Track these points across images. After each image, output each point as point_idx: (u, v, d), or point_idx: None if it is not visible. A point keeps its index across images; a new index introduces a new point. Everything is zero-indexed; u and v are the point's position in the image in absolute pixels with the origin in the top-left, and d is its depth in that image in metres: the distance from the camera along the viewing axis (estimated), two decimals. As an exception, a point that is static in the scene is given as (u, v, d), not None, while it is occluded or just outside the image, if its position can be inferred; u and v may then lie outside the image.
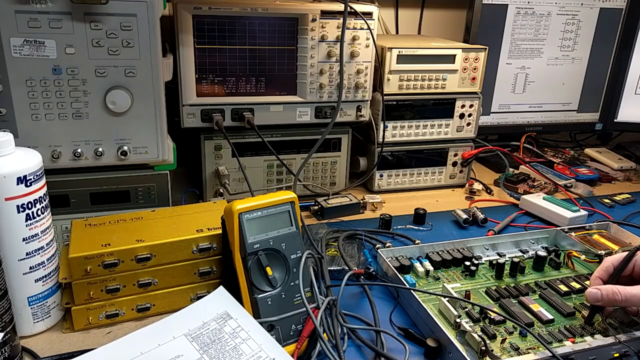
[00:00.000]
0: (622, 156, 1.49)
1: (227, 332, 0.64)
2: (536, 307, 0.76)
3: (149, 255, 0.72)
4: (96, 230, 0.75)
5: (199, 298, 0.74)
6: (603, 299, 0.69)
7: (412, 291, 0.76)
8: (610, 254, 0.89)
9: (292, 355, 0.64)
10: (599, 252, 0.91)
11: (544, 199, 1.14)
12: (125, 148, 0.85)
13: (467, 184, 1.29)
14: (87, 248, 0.70)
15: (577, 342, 0.69)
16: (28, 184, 0.65)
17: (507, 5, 1.36)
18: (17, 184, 0.64)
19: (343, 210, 1.09)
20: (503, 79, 1.43)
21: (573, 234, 0.97)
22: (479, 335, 0.67)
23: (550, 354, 0.65)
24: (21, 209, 0.65)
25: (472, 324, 0.72)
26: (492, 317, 0.73)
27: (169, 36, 0.97)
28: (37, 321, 0.71)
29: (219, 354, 0.61)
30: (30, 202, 0.66)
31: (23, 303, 0.69)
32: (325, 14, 1.04)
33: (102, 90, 0.81)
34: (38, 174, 0.67)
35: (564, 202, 1.12)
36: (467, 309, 0.75)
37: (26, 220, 0.66)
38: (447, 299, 0.74)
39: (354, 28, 1.06)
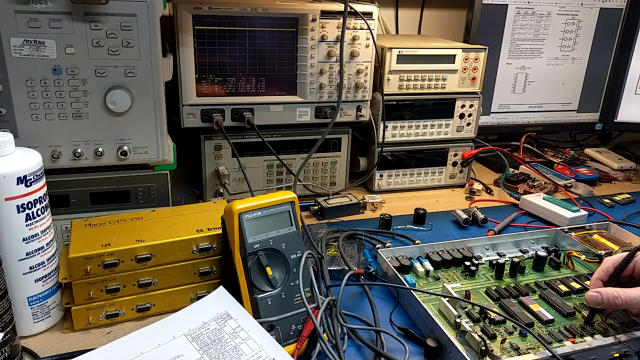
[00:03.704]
0: (622, 156, 1.49)
1: (227, 332, 0.64)
2: (536, 307, 0.76)
3: (149, 255, 0.72)
4: (96, 230, 0.75)
5: (199, 298, 0.74)
6: (603, 302, 0.69)
7: (412, 291, 0.76)
8: (610, 254, 0.89)
9: (292, 355, 0.64)
10: (599, 252, 0.91)
11: (544, 199, 1.14)
12: (125, 148, 0.85)
13: (467, 184, 1.29)
14: (87, 248, 0.70)
15: (577, 342, 0.69)
16: (28, 184, 0.65)
17: (507, 5, 1.36)
18: (17, 184, 0.64)
19: (343, 210, 1.09)
20: (503, 79, 1.43)
21: (573, 234, 0.97)
22: (479, 335, 0.67)
23: (550, 354, 0.65)
24: (21, 209, 0.65)
25: (472, 324, 0.72)
26: (492, 317, 0.73)
27: (169, 36, 0.97)
28: (37, 321, 0.71)
29: (219, 354, 0.61)
30: (30, 202, 0.66)
31: (23, 303, 0.69)
32: (325, 14, 1.04)
33: (102, 90, 0.81)
34: (38, 174, 0.67)
35: (564, 202, 1.12)
36: (467, 309, 0.75)
37: (26, 220, 0.66)
38: (447, 299, 0.74)
39: (354, 28, 1.06)
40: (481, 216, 1.07)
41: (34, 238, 0.67)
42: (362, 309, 0.78)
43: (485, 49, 1.20)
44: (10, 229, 0.65)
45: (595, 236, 0.99)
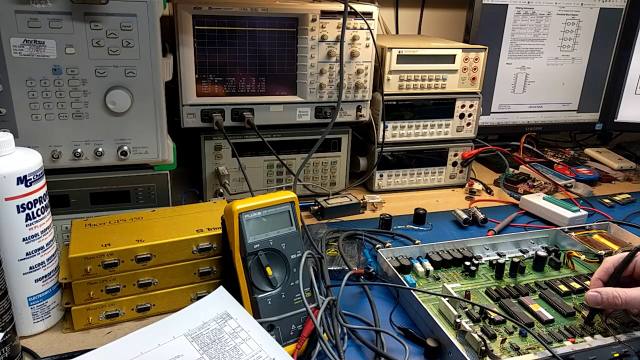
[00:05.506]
0: (622, 156, 1.49)
1: (227, 332, 0.64)
2: (536, 307, 0.76)
3: (149, 255, 0.72)
4: (96, 230, 0.75)
5: (199, 298, 0.74)
6: (603, 302, 0.69)
7: (412, 291, 0.76)
8: (610, 254, 0.89)
9: (292, 355, 0.64)
10: (599, 252, 0.91)
11: (544, 199, 1.14)
12: (125, 148, 0.85)
13: (467, 184, 1.29)
14: (87, 248, 0.70)
15: (577, 342, 0.69)
16: (28, 184, 0.65)
17: (507, 5, 1.36)
18: (17, 184, 0.64)
19: (343, 210, 1.09)
20: (503, 79, 1.43)
21: (573, 234, 0.97)
22: (479, 335, 0.67)
23: (550, 354, 0.65)
24: (21, 209, 0.65)
25: (472, 324, 0.72)
26: (492, 317, 0.73)
27: (169, 36, 0.97)
28: (37, 321, 0.71)
29: (219, 354, 0.61)
30: (30, 202, 0.66)
31: (23, 303, 0.69)
32: (325, 14, 1.04)
33: (102, 90, 0.81)
34: (38, 174, 0.67)
35: (564, 202, 1.12)
36: (467, 309, 0.75)
37: (26, 220, 0.66)
38: (447, 299, 0.74)
39: (354, 28, 1.06)
40: (481, 216, 1.07)
41: (34, 238, 0.67)
42: (362, 309, 0.78)
43: (485, 49, 1.20)
44: (10, 229, 0.65)
45: (595, 236, 0.99)
